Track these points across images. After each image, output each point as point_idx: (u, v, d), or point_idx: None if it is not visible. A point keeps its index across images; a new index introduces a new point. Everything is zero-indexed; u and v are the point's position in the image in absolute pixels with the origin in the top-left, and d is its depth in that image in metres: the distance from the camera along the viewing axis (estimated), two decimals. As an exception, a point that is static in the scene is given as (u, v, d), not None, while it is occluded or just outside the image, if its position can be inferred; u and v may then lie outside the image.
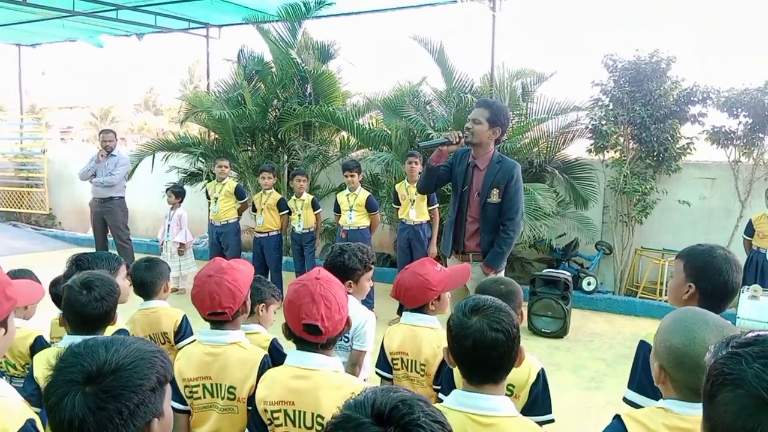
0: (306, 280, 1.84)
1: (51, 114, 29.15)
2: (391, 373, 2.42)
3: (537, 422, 1.99)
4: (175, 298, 3.02)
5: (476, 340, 1.54)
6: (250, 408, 1.99)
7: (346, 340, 2.55)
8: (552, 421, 2.12)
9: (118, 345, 1.18)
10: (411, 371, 2.38)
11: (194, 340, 2.29)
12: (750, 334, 1.02)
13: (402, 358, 2.39)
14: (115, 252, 7.53)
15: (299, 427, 1.76)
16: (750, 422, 0.92)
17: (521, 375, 2.07)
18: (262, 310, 2.57)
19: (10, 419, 1.40)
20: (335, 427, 1.02)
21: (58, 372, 1.15)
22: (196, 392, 2.04)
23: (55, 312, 2.88)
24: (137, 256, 7.92)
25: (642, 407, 1.90)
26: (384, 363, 2.44)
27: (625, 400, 1.99)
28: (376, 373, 2.48)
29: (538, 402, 2.08)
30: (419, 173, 6.14)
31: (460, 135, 3.65)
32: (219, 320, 2.06)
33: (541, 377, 2.11)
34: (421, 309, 2.39)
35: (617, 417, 1.55)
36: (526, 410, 2.06)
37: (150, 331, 2.84)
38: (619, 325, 6.41)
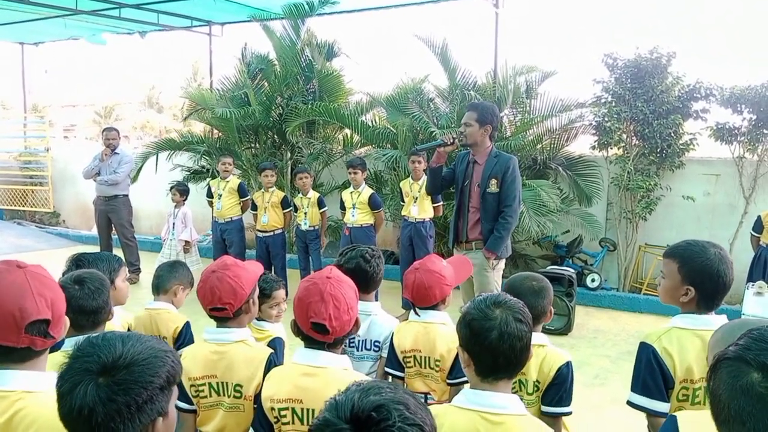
0: (317, 279, 1.84)
1: (54, 112, 29.19)
2: (403, 372, 2.41)
3: (556, 414, 2.09)
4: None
5: (502, 332, 1.56)
6: (256, 406, 1.99)
7: (377, 349, 2.52)
8: (569, 413, 2.13)
9: (134, 340, 1.21)
10: (425, 368, 2.38)
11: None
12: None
13: (415, 356, 2.38)
14: (120, 250, 7.61)
15: (307, 424, 1.76)
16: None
17: (544, 369, 2.12)
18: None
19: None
20: (316, 429, 1.04)
21: (74, 360, 1.18)
22: (202, 391, 2.05)
23: None
24: (141, 254, 7.97)
25: (649, 410, 1.91)
26: (395, 362, 2.42)
27: (629, 403, 1.96)
28: (386, 372, 2.46)
29: (559, 392, 2.10)
30: (424, 170, 6.17)
31: (454, 136, 4.05)
32: (221, 317, 2.06)
33: (569, 367, 2.13)
34: (434, 305, 2.38)
35: (672, 417, 1.52)
36: (545, 399, 2.11)
37: (147, 333, 2.81)
38: (623, 321, 6.41)
